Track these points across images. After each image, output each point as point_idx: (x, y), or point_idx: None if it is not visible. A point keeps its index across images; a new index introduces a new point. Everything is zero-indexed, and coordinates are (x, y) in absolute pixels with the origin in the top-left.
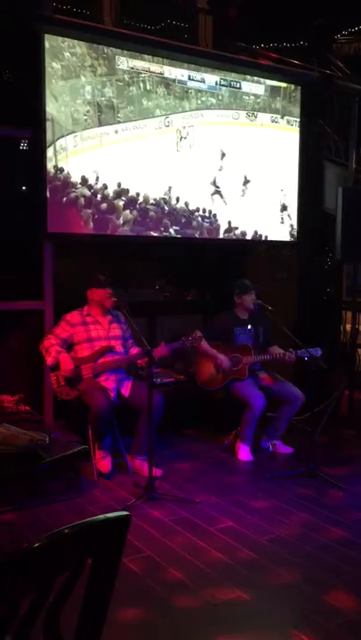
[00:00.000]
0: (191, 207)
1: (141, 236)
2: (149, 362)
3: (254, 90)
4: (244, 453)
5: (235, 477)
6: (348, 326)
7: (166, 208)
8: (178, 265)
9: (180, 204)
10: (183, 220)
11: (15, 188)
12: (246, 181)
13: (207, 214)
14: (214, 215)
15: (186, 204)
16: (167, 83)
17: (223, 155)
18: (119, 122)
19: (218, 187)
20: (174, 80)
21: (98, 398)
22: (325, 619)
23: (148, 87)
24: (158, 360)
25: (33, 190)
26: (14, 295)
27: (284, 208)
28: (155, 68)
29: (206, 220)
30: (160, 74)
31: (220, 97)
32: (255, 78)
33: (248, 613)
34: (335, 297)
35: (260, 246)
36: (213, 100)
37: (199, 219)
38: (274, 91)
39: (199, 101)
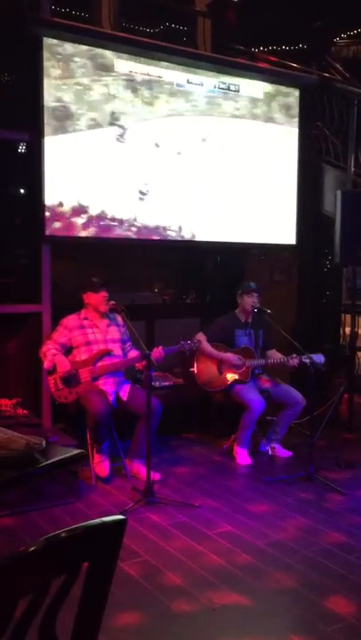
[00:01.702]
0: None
1: (140, 238)
2: (148, 365)
3: (253, 93)
4: (242, 457)
5: (234, 481)
6: (348, 329)
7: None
8: (177, 268)
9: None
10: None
11: (13, 191)
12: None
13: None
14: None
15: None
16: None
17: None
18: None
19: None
20: (172, 83)
21: (96, 402)
22: (324, 624)
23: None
24: (156, 363)
25: (30, 193)
26: (12, 298)
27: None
28: (154, 71)
29: None
30: (159, 77)
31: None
32: (254, 81)
33: (247, 618)
34: (334, 300)
35: (259, 249)
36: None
37: None
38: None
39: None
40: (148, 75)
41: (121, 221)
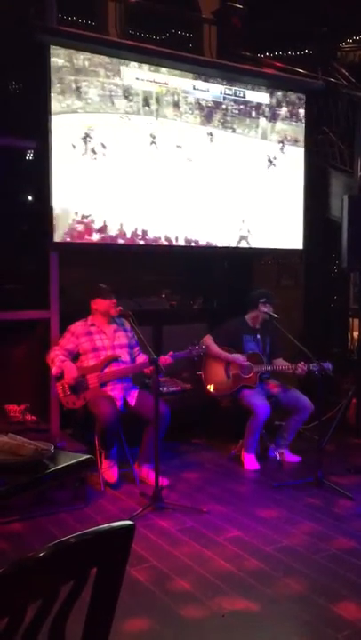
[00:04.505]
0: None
1: (148, 245)
2: (155, 370)
3: (259, 99)
4: (249, 462)
5: (242, 487)
6: (356, 334)
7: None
8: (184, 273)
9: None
10: None
11: (21, 199)
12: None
13: None
14: None
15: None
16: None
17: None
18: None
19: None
20: (179, 90)
21: (104, 407)
22: (333, 629)
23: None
24: (164, 369)
25: (38, 200)
26: (20, 305)
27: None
28: (160, 78)
29: None
30: (165, 84)
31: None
32: (260, 87)
33: (255, 624)
34: (342, 304)
35: (267, 255)
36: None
37: None
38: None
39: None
40: (155, 82)
41: (129, 228)
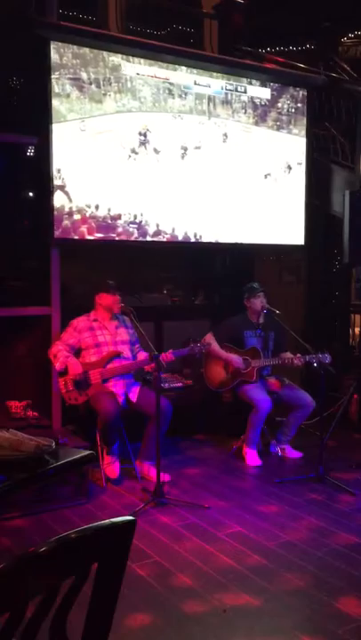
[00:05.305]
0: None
1: (150, 241)
2: (157, 367)
3: (260, 94)
4: (251, 458)
5: (244, 482)
6: (357, 329)
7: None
8: (186, 269)
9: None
10: None
11: (22, 195)
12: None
13: None
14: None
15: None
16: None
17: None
18: None
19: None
20: (179, 85)
21: (106, 403)
22: (335, 624)
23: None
24: (166, 365)
25: (39, 197)
26: (22, 301)
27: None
28: (161, 73)
29: None
30: (166, 79)
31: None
32: (261, 82)
33: (257, 619)
34: (344, 300)
35: (268, 250)
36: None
37: None
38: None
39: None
40: (156, 77)
41: (130, 223)
